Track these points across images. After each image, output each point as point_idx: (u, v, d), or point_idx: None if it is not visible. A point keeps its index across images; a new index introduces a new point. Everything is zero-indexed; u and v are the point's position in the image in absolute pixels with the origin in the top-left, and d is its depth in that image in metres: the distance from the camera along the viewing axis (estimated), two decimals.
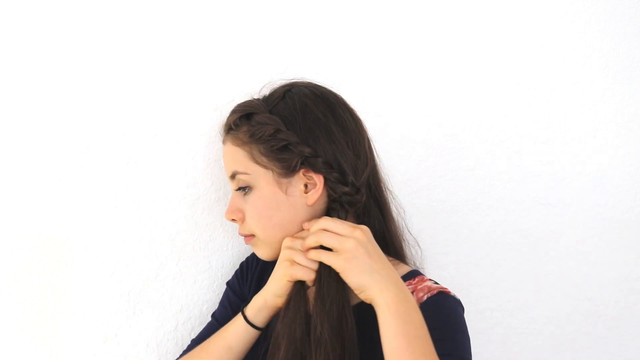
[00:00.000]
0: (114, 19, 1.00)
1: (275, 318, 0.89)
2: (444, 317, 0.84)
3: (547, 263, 1.36)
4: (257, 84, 0.99)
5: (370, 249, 0.81)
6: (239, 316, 0.91)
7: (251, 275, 1.04)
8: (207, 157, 1.06)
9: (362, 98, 1.16)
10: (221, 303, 1.05)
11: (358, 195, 0.88)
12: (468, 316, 1.26)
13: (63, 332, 1.02)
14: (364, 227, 0.83)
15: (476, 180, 1.27)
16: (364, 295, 0.80)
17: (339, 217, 0.87)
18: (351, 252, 0.80)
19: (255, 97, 0.95)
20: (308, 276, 0.84)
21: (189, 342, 1.02)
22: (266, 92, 0.94)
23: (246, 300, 0.94)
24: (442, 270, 1.28)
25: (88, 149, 1.00)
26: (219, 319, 1.00)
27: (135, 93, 1.02)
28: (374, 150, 0.95)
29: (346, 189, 0.87)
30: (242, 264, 1.07)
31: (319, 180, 0.86)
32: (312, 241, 0.83)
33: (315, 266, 0.84)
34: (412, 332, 0.75)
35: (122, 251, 1.04)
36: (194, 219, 1.07)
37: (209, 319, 1.04)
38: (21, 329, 0.99)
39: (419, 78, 1.20)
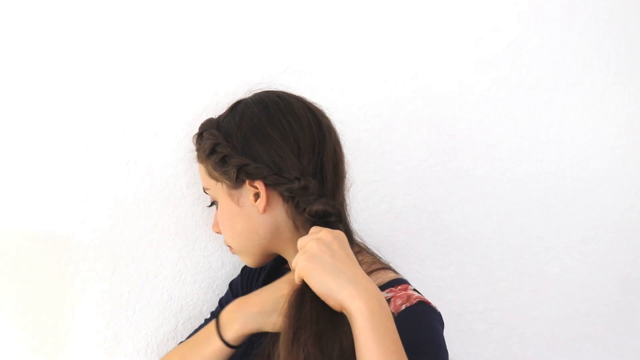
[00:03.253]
0: (114, 19, 1.00)
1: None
2: (421, 329, 0.80)
3: (547, 263, 1.36)
4: (258, 84, 0.99)
5: (334, 248, 0.75)
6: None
7: (257, 274, 1.04)
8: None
9: (362, 98, 1.16)
10: (219, 302, 1.06)
11: (301, 182, 0.84)
12: (468, 316, 1.26)
13: (63, 332, 1.02)
14: (335, 231, 0.78)
15: (476, 180, 1.27)
16: (332, 302, 0.73)
17: (306, 212, 0.84)
18: (311, 250, 0.75)
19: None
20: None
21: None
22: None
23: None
24: (442, 270, 1.28)
25: (88, 149, 1.00)
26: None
27: (135, 93, 1.02)
28: (339, 143, 0.92)
29: (293, 186, 0.84)
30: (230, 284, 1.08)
31: (260, 186, 0.86)
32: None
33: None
34: (390, 349, 0.69)
35: (122, 251, 1.04)
36: (194, 219, 1.07)
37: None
38: (21, 329, 0.99)
39: (419, 78, 1.20)
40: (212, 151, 0.89)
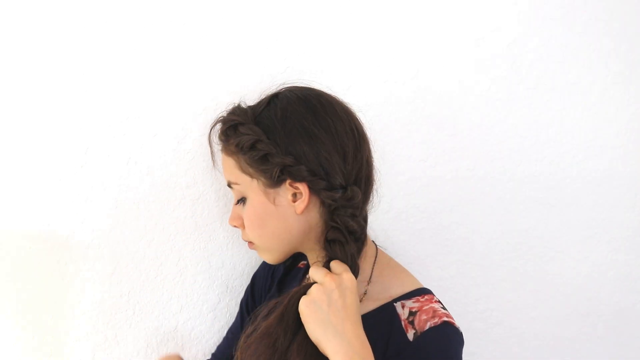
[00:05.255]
0: (114, 19, 1.00)
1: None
2: (442, 352, 0.80)
3: (547, 263, 1.36)
4: (258, 84, 0.99)
5: (334, 298, 0.77)
6: None
7: (264, 280, 1.05)
8: (207, 157, 1.06)
9: (362, 98, 1.16)
10: (235, 319, 1.07)
11: (347, 193, 0.84)
12: (468, 316, 1.26)
13: (63, 332, 1.02)
14: (345, 276, 0.79)
15: (476, 180, 1.27)
16: (321, 350, 0.76)
17: (340, 224, 0.84)
18: (312, 296, 0.77)
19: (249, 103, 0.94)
20: None
21: (209, 357, 1.04)
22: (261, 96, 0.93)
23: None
24: (442, 270, 1.28)
25: (88, 149, 1.00)
26: (234, 332, 1.02)
27: (135, 93, 1.02)
28: (371, 151, 0.92)
29: (335, 195, 0.83)
30: (253, 276, 1.09)
31: (303, 188, 0.84)
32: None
33: None
34: None
35: (122, 251, 1.04)
36: (194, 219, 1.07)
37: (209, 319, 1.04)
38: (21, 328, 0.99)
39: (419, 78, 1.20)
40: (252, 147, 0.85)
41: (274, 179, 0.84)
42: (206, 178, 1.07)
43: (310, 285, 0.81)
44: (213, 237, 1.09)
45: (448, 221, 1.27)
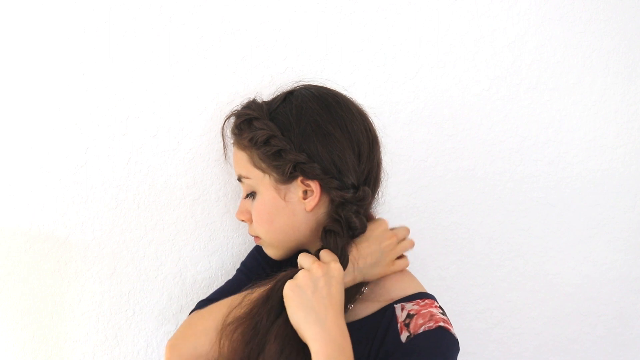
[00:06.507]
0: (114, 19, 1.00)
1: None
2: (431, 354, 0.80)
3: (547, 263, 1.36)
4: (258, 84, 0.99)
5: (319, 285, 0.77)
6: None
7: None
8: (207, 157, 1.06)
9: (362, 98, 1.16)
10: (249, 257, 1.05)
11: (359, 193, 0.84)
12: (468, 316, 1.26)
13: (63, 332, 1.02)
14: (333, 265, 0.80)
15: (476, 180, 1.27)
16: (300, 334, 0.77)
17: (342, 218, 0.84)
18: (298, 281, 0.78)
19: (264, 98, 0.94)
20: None
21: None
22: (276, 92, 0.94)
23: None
24: (442, 271, 1.28)
25: (88, 149, 1.00)
26: (249, 269, 1.00)
27: (135, 93, 1.02)
28: (381, 152, 0.92)
29: (346, 195, 0.84)
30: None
31: (315, 186, 0.84)
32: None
33: None
34: None
35: (122, 251, 1.04)
36: (194, 219, 1.07)
37: None
38: (21, 329, 0.99)
39: (419, 78, 1.20)
40: (266, 142, 0.85)
41: (286, 175, 0.84)
42: (206, 178, 1.07)
43: (297, 270, 0.81)
44: (213, 237, 1.09)
45: (448, 221, 1.27)
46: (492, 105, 1.26)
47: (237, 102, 0.99)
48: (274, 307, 0.79)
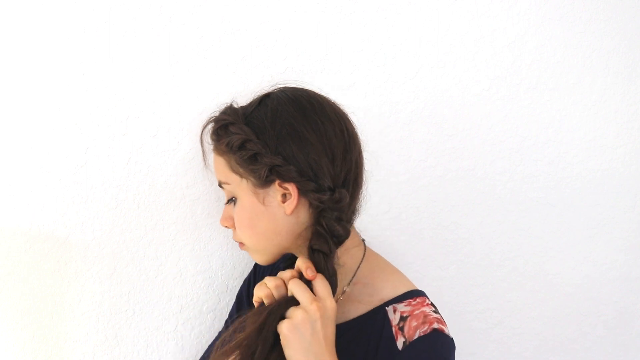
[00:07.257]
0: (114, 19, 1.00)
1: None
2: None
3: (547, 263, 1.36)
4: (258, 84, 0.99)
5: (317, 328, 0.78)
6: None
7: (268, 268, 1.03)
8: (207, 157, 1.06)
9: (362, 98, 1.16)
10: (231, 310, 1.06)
11: (335, 195, 0.84)
12: (468, 316, 1.26)
13: (63, 332, 1.02)
14: (329, 304, 0.80)
15: (476, 180, 1.27)
16: None
17: (326, 225, 0.84)
18: (296, 322, 0.78)
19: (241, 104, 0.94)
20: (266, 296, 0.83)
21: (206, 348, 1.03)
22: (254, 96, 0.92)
23: None
24: (442, 271, 1.28)
25: (88, 149, 1.00)
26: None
27: (135, 93, 1.02)
28: (362, 152, 0.91)
29: (323, 197, 0.83)
30: (255, 265, 1.07)
31: (292, 189, 0.84)
32: (287, 279, 0.83)
33: (276, 293, 0.82)
34: None
35: (122, 251, 1.04)
36: (194, 219, 1.07)
37: (209, 319, 1.04)
38: (21, 329, 0.99)
39: (419, 78, 1.20)
40: (241, 147, 0.85)
41: (263, 179, 0.84)
42: (206, 178, 1.07)
43: (291, 300, 0.81)
44: (213, 237, 1.09)
45: (448, 221, 1.27)
46: (492, 105, 1.26)
47: (237, 102, 0.99)
48: (269, 338, 0.79)
